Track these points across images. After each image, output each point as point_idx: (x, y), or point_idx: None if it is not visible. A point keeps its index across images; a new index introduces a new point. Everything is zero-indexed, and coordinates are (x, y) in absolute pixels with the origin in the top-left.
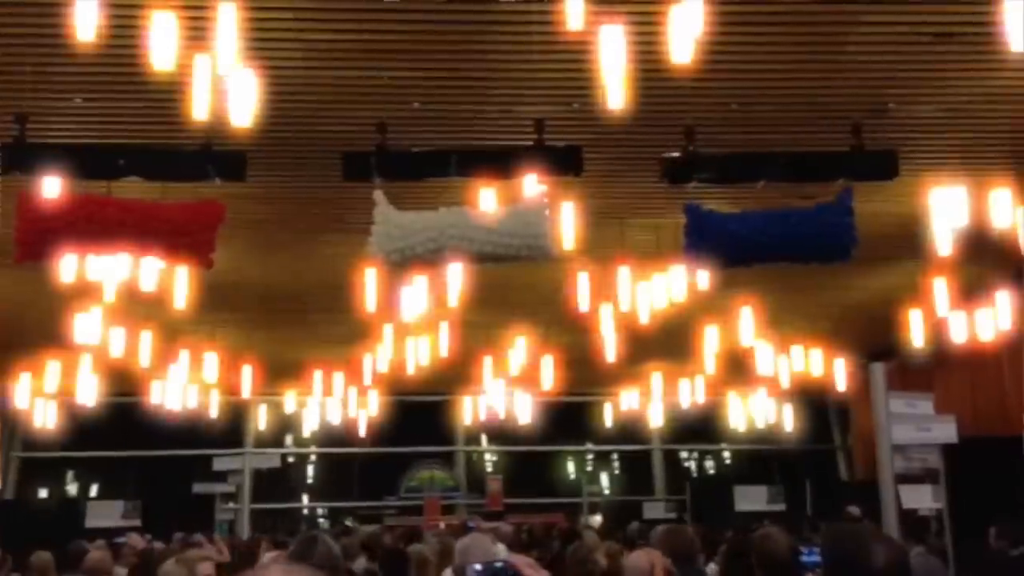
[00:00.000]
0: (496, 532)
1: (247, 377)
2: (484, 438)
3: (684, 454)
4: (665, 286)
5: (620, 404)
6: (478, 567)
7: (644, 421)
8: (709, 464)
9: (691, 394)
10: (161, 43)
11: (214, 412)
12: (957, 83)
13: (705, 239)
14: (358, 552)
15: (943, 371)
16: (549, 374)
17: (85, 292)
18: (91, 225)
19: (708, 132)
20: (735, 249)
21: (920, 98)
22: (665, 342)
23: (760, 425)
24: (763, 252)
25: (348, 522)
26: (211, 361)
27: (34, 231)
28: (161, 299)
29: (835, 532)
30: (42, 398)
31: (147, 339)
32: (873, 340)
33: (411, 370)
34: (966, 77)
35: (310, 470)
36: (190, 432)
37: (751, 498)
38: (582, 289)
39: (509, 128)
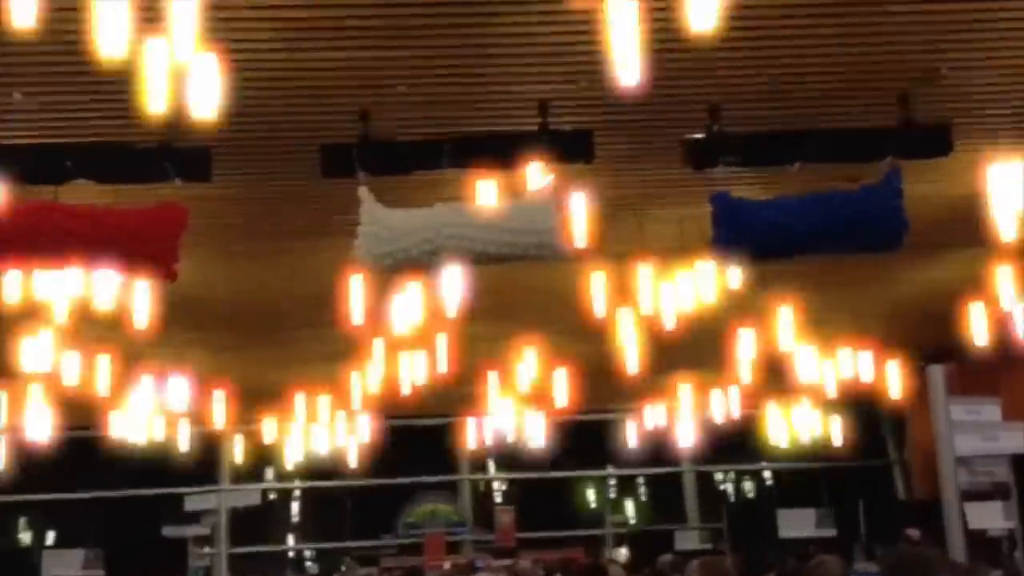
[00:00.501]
0: (511, 570)
1: (220, 404)
2: (492, 465)
3: (719, 476)
4: (692, 285)
5: (645, 421)
6: None
7: (672, 440)
8: (748, 486)
9: (725, 407)
10: (110, 27)
11: (184, 445)
12: (1016, 45)
13: (736, 230)
14: None
15: (1010, 372)
16: (563, 390)
17: (32, 313)
18: (36, 237)
19: (735, 110)
20: (770, 240)
21: (976, 63)
22: (694, 349)
23: (804, 440)
24: (802, 242)
25: (344, 565)
26: (179, 387)
27: None
28: (119, 318)
29: (896, 559)
30: None
31: (105, 364)
32: (930, 340)
33: (406, 390)
34: None
35: (295, 507)
36: (157, 468)
37: (797, 523)
38: (598, 292)
39: (509, 112)
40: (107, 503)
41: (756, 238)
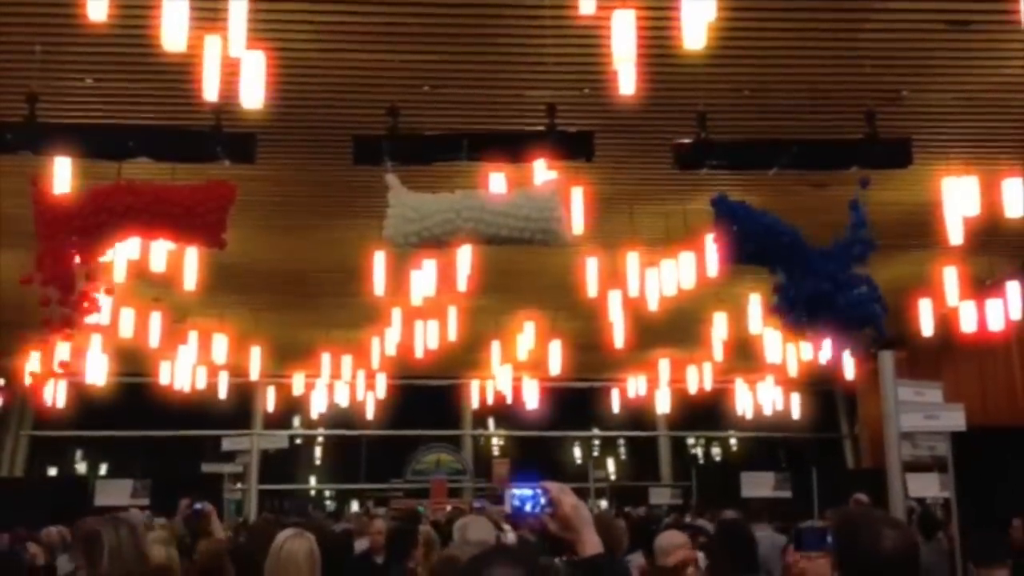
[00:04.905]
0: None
1: (256, 359)
2: (491, 422)
3: (691, 440)
4: (674, 273)
5: (627, 390)
6: (519, 492)
7: (651, 407)
8: (716, 451)
9: (698, 381)
10: (172, 24)
11: (223, 393)
12: (972, 71)
13: (734, 229)
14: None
15: (952, 360)
16: (557, 359)
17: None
18: (104, 215)
19: (720, 118)
20: (763, 242)
21: (934, 86)
22: (673, 329)
23: (767, 412)
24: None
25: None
26: (220, 342)
27: (50, 223)
28: (171, 280)
29: (846, 515)
30: (51, 377)
31: (156, 320)
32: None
33: (419, 354)
34: (981, 65)
35: (317, 452)
36: (199, 413)
37: (757, 484)
38: (591, 275)
39: (520, 113)
40: (154, 441)
41: (752, 239)
